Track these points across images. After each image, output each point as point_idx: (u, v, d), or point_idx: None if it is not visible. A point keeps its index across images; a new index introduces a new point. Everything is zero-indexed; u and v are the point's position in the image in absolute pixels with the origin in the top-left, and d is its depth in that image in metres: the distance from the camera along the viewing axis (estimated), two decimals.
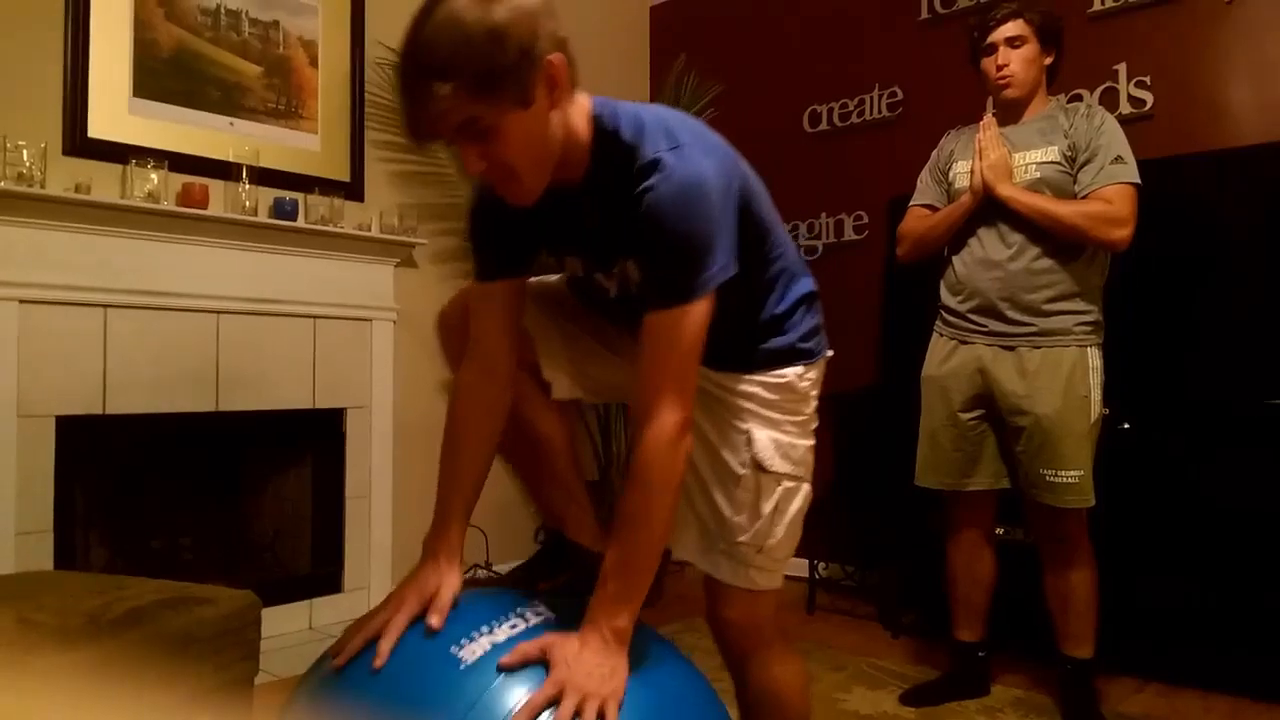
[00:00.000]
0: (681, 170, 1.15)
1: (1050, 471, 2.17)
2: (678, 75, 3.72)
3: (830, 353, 1.54)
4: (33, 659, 1.48)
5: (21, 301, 2.47)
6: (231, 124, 2.92)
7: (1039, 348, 2.20)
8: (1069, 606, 2.23)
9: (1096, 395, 2.20)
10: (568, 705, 1.08)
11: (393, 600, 1.27)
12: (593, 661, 1.13)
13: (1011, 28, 2.26)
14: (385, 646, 1.18)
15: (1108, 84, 3.14)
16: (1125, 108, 3.08)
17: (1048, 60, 2.30)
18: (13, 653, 1.49)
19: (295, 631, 3.01)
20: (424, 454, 3.44)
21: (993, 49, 2.28)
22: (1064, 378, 2.18)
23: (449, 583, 1.27)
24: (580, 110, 1.22)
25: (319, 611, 3.10)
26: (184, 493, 2.95)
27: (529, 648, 1.14)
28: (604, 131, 1.22)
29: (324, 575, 3.14)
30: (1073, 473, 2.16)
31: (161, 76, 2.78)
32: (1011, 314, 2.22)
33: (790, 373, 1.45)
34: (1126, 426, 2.53)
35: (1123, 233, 2.13)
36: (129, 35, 2.71)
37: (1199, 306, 2.66)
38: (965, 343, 2.30)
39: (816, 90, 3.90)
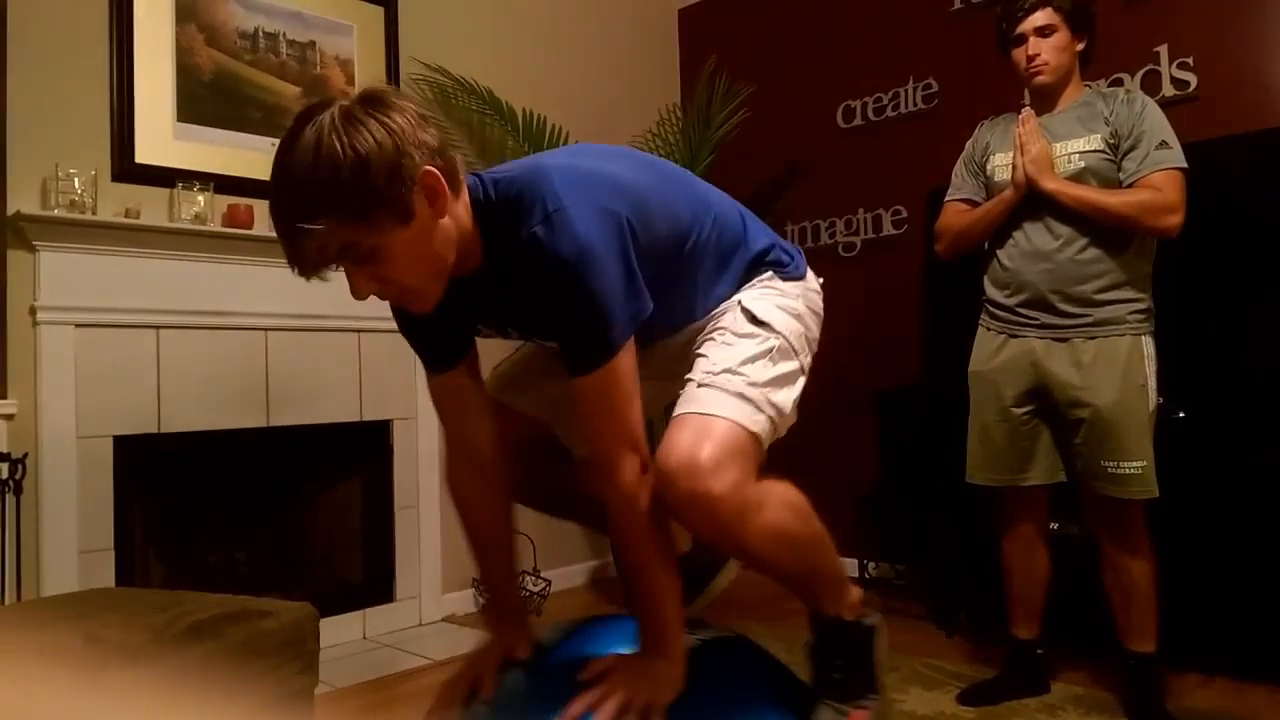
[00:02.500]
0: (562, 242, 1.14)
1: (1112, 463, 2.13)
2: (709, 77, 3.72)
3: (814, 278, 1.53)
4: (101, 676, 1.51)
5: (77, 325, 2.53)
6: (273, 144, 2.96)
7: (1093, 338, 2.16)
8: (1131, 600, 2.19)
9: (1153, 383, 2.16)
10: (611, 704, 1.17)
11: (469, 667, 1.38)
12: (644, 670, 1.23)
13: (1041, 16, 2.21)
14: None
15: (1149, 67, 3.08)
16: (1168, 90, 3.02)
17: (1079, 46, 2.25)
18: (82, 670, 1.53)
19: (350, 642, 3.05)
20: None
21: (1022, 39, 2.24)
22: (1120, 367, 2.14)
23: (520, 645, 1.40)
24: (464, 203, 1.21)
25: (372, 621, 3.14)
26: (238, 508, 3.01)
27: (601, 662, 1.23)
28: (483, 209, 1.22)
29: (376, 585, 3.18)
30: (1136, 463, 2.12)
31: (203, 100, 2.84)
32: (1063, 306, 2.18)
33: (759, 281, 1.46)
34: (1182, 416, 2.47)
35: (1174, 220, 2.09)
36: (171, 62, 2.77)
37: (1250, 291, 2.60)
38: (1015, 336, 2.27)
39: (850, 85, 3.88)
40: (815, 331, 1.49)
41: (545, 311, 1.23)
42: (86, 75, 2.64)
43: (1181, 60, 3.02)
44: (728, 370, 1.31)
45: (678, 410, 1.29)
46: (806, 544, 1.36)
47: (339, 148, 1.05)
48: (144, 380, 2.66)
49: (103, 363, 2.58)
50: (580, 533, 3.80)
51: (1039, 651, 2.38)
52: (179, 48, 2.79)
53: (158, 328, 2.69)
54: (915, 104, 3.69)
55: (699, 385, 1.31)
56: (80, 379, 2.53)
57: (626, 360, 1.21)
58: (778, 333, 1.37)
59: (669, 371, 1.41)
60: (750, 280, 1.44)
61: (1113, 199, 2.12)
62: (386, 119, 1.08)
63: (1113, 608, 2.22)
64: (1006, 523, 2.37)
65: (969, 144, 2.45)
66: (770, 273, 1.45)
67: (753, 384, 1.30)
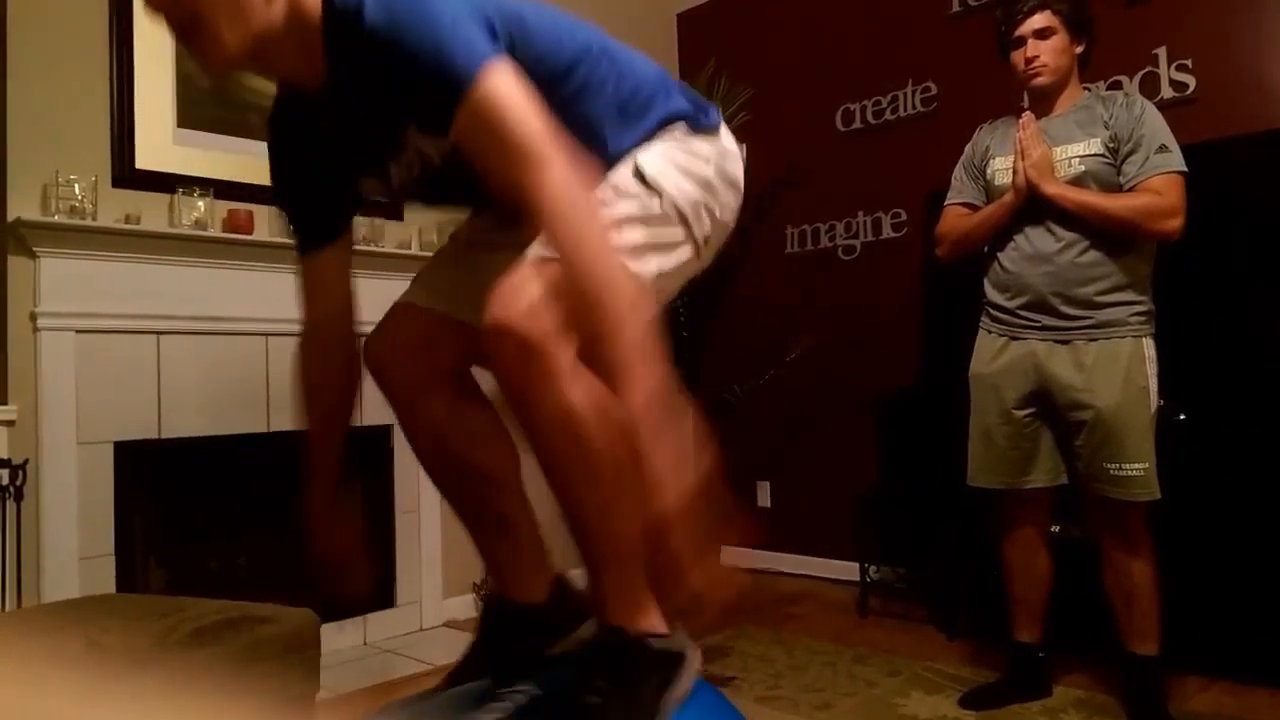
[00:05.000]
0: (385, 3, 1.03)
1: (1114, 465, 2.13)
2: (708, 80, 3.71)
3: (731, 140, 1.33)
4: (103, 681, 1.51)
5: (78, 331, 2.53)
6: None
7: (1095, 340, 2.16)
8: (1133, 603, 2.19)
9: (1154, 386, 2.16)
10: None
11: None
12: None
13: (1039, 19, 2.22)
14: None
15: (1148, 69, 3.08)
16: (1167, 92, 3.03)
17: (1078, 49, 2.26)
18: (84, 676, 1.53)
19: (351, 647, 3.05)
20: None
21: (1021, 41, 2.25)
22: (1122, 369, 2.14)
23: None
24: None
25: (373, 627, 3.13)
26: (239, 512, 3.00)
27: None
28: (333, 11, 1.07)
29: (377, 591, 3.18)
30: (1138, 465, 2.12)
31: (203, 106, 2.84)
32: (1065, 308, 2.18)
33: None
34: (1183, 418, 2.47)
35: (1175, 223, 2.09)
36: (170, 67, 2.78)
37: (1250, 292, 2.60)
38: (1016, 339, 2.27)
39: (849, 88, 3.89)
40: (726, 201, 1.29)
41: (394, 95, 1.08)
42: (87, 81, 2.64)
43: (1180, 62, 3.02)
44: None
45: None
46: (609, 471, 1.07)
47: None
48: (144, 385, 2.66)
49: (103, 368, 2.58)
50: None
51: (1040, 655, 2.38)
52: (179, 53, 2.79)
53: (158, 333, 2.69)
54: (914, 107, 3.69)
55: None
56: (81, 384, 2.53)
57: (503, 78, 1.03)
58: (666, 194, 1.19)
59: None
60: (657, 136, 1.25)
61: (1113, 204, 2.12)
62: None
63: (1114, 610, 2.22)
64: (1007, 526, 2.37)
65: (968, 147, 2.45)
66: (682, 126, 1.26)
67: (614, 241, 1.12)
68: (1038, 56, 2.22)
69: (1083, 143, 2.19)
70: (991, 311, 2.35)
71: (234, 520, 3.00)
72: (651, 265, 1.17)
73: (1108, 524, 2.22)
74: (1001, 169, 2.29)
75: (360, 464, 3.20)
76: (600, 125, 1.22)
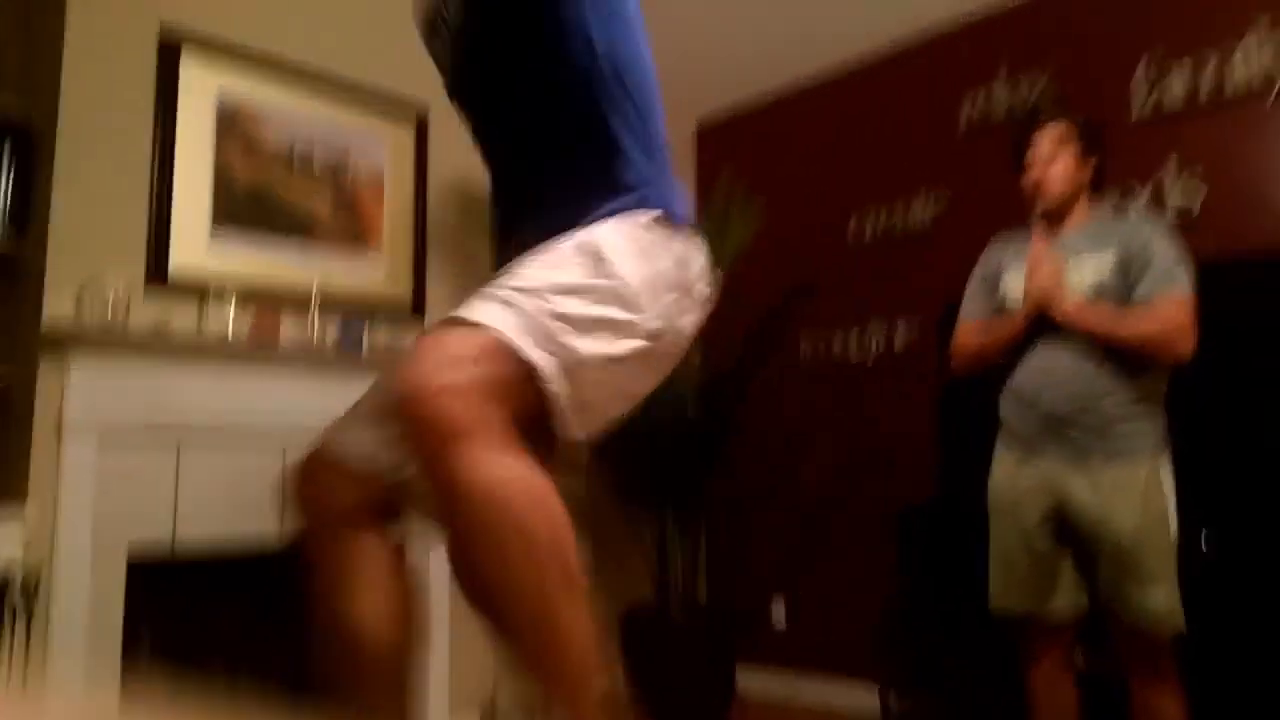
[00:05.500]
0: None
1: (1137, 592, 2.10)
2: (725, 191, 3.81)
3: (698, 250, 1.25)
4: None
5: (101, 435, 2.52)
6: (303, 254, 3.02)
7: (1111, 461, 2.15)
8: None
9: (1173, 510, 2.14)
10: None
11: None
12: None
13: (1051, 133, 2.26)
14: None
15: (1154, 183, 3.14)
16: (1175, 203, 3.08)
17: (1090, 165, 2.29)
18: None
19: None
20: None
21: (1032, 158, 2.28)
22: (1140, 492, 2.12)
23: None
24: None
25: None
26: (248, 622, 2.93)
27: None
28: None
29: None
30: (1160, 592, 2.08)
31: (238, 212, 2.89)
32: (1081, 424, 2.17)
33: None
34: (1205, 543, 2.45)
35: (1186, 346, 2.11)
36: (209, 172, 2.84)
37: (1263, 415, 2.61)
38: (1034, 455, 2.25)
39: (861, 197, 3.96)
40: (686, 308, 1.20)
41: None
42: (128, 186, 2.68)
43: (1187, 177, 3.08)
44: (519, 288, 1.06)
45: None
46: (539, 544, 0.96)
47: None
48: (163, 491, 2.63)
49: (123, 472, 2.55)
50: None
51: None
52: (218, 163, 2.85)
53: (179, 438, 2.67)
54: (927, 215, 3.76)
55: (477, 295, 1.07)
56: (101, 489, 2.50)
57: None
58: (620, 276, 1.10)
59: None
60: (617, 212, 1.17)
61: (1126, 329, 2.13)
62: None
63: None
64: (1031, 655, 2.32)
65: (981, 261, 2.47)
66: (660, 215, 1.19)
67: (546, 308, 1.04)
68: (1049, 173, 2.25)
69: (1095, 259, 2.20)
70: (1008, 427, 2.34)
71: (244, 630, 2.93)
72: (585, 344, 1.06)
73: (1134, 656, 2.16)
74: (1015, 285, 2.30)
75: None
76: (621, 155, 1.21)
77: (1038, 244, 2.25)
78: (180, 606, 2.74)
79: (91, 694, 2.32)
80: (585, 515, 3.84)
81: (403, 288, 3.29)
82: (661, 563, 3.47)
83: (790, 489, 3.31)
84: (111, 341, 2.53)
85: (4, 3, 2.79)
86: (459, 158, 3.49)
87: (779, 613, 4.00)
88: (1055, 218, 2.31)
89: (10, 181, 2.54)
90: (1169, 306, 2.11)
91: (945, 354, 2.52)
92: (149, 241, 2.70)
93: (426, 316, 3.36)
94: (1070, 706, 2.29)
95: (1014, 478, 2.29)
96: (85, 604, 2.45)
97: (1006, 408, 2.34)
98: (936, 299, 3.33)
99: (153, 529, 2.60)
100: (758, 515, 3.19)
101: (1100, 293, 2.18)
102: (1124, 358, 2.16)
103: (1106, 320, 2.15)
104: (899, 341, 3.82)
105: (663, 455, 3.50)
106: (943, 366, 2.80)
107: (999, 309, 2.36)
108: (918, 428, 3.58)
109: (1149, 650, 2.13)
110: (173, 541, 2.64)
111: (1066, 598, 2.23)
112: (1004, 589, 2.30)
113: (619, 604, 3.75)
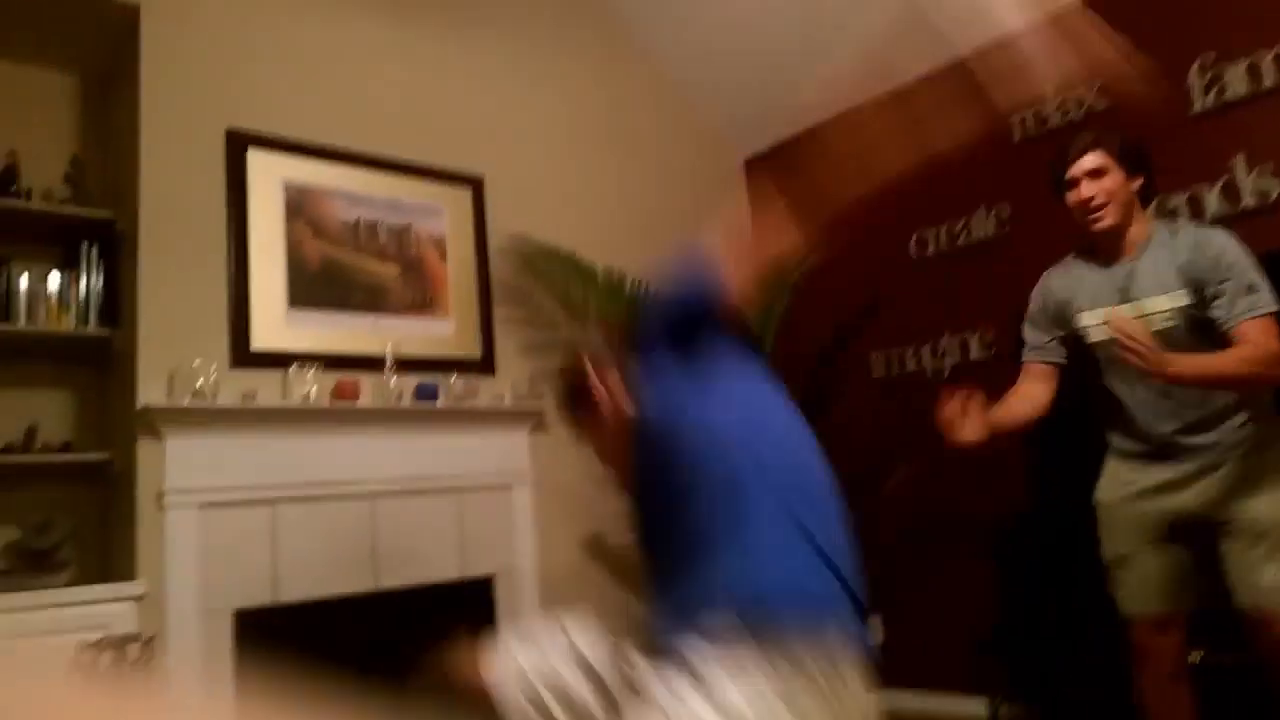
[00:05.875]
0: None
1: (1272, 571, 2.03)
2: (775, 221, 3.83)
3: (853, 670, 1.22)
4: None
5: (200, 506, 2.70)
6: (376, 321, 3.18)
7: (1228, 460, 2.10)
8: None
9: None
10: None
11: None
12: None
13: (1090, 160, 2.18)
14: None
15: (1225, 178, 3.05)
16: (1249, 200, 2.98)
17: (1136, 184, 2.20)
18: None
19: None
20: (571, 608, 3.48)
21: (1074, 183, 2.20)
22: (1265, 472, 2.07)
23: None
24: None
25: None
26: (352, 671, 3.05)
27: None
28: None
29: None
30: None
31: (312, 287, 3.07)
32: (1193, 439, 2.13)
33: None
34: None
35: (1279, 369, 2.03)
36: (283, 255, 3.03)
37: None
38: (1149, 464, 2.20)
39: (922, 215, 3.94)
40: None
41: None
42: (208, 274, 2.90)
43: (1260, 168, 2.98)
44: None
45: None
46: None
47: None
48: (262, 552, 2.79)
49: (224, 538, 2.72)
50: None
51: None
52: (289, 242, 3.04)
53: (274, 501, 2.83)
54: (989, 230, 3.71)
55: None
56: (204, 555, 2.68)
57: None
58: None
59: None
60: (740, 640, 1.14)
61: (1228, 368, 2.03)
62: None
63: None
64: (1145, 657, 2.25)
65: (1038, 296, 2.37)
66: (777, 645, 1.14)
67: None
68: (1094, 198, 2.17)
69: (1168, 295, 2.12)
70: (1118, 448, 2.29)
71: (348, 678, 3.05)
72: None
73: (1274, 643, 2.06)
74: (1094, 324, 2.22)
75: (465, 615, 3.25)
76: (705, 572, 1.21)
77: (1120, 323, 2.06)
78: (288, 652, 2.87)
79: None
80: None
81: (471, 343, 3.42)
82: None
83: (878, 507, 3.29)
84: (201, 418, 2.71)
85: (88, 123, 3.07)
86: (516, 214, 3.63)
87: (875, 632, 3.93)
88: (1111, 242, 2.22)
89: (102, 280, 2.77)
90: (1258, 334, 2.02)
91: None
92: (230, 324, 2.89)
93: (497, 369, 3.47)
94: (1188, 707, 2.21)
95: (1128, 484, 2.24)
96: (197, 659, 2.61)
97: (1113, 436, 2.29)
98: (1004, 309, 3.28)
99: (256, 587, 2.75)
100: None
101: (1179, 328, 2.10)
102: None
103: (1210, 366, 2.04)
104: (974, 351, 3.75)
105: None
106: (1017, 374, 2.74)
107: (1068, 344, 2.30)
108: (999, 439, 3.49)
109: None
110: (274, 594, 2.78)
111: (1189, 594, 2.18)
112: (1131, 593, 2.24)
113: None
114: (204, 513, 2.71)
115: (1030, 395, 2.35)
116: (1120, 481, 2.26)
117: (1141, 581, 2.21)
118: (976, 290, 3.72)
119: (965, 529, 3.57)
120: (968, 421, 2.19)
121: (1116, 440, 2.29)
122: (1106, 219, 2.18)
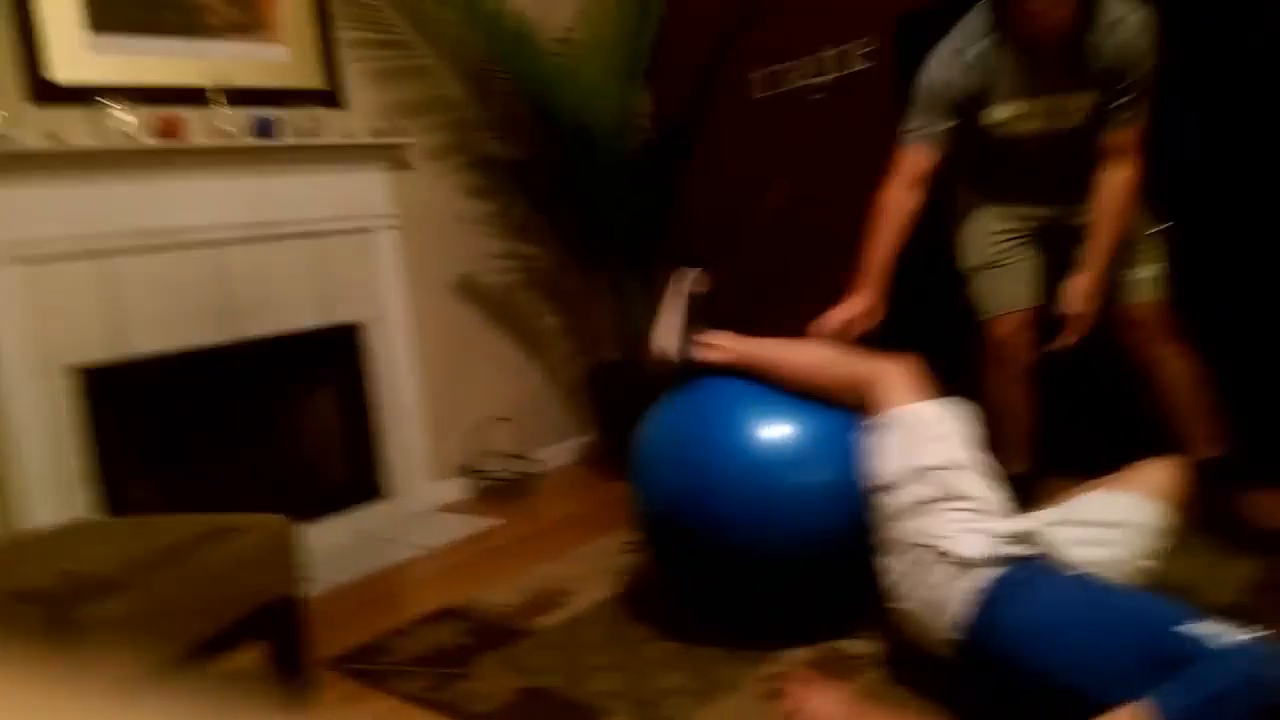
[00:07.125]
0: None
1: (1127, 271, 2.18)
2: None
3: None
4: (75, 610, 1.53)
5: (18, 260, 2.46)
6: (195, 46, 2.82)
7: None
8: (1181, 404, 2.20)
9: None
10: None
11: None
12: None
13: None
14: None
15: None
16: None
17: None
18: (57, 606, 1.55)
19: (342, 543, 3.04)
20: (447, 354, 3.46)
21: None
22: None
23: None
24: None
25: (364, 520, 3.17)
26: (215, 424, 2.99)
27: None
28: None
29: (364, 485, 3.22)
30: (1149, 269, 2.19)
31: (116, 7, 2.67)
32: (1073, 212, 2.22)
33: None
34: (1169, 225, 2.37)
35: (1135, 181, 2.11)
36: None
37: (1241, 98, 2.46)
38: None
39: None
40: None
41: None
42: None
43: None
44: None
45: None
46: None
47: None
48: (102, 308, 2.61)
49: (54, 297, 2.52)
50: (561, 409, 3.83)
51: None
52: None
53: (109, 253, 2.61)
54: None
55: None
56: (31, 314, 2.48)
57: None
58: None
59: None
60: None
61: (1117, 230, 2.13)
62: None
63: (1169, 426, 2.21)
64: (998, 355, 2.36)
65: (937, 75, 2.15)
66: None
67: None
68: (1041, 9, 1.93)
69: (1087, 94, 2.07)
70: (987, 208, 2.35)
71: (212, 432, 3.00)
72: None
73: (1135, 332, 2.21)
74: (1008, 117, 2.12)
75: (333, 363, 3.19)
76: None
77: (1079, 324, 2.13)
78: (136, 409, 2.79)
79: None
80: (548, 281, 3.84)
81: (311, 73, 3.09)
82: (624, 316, 3.49)
83: (755, 229, 3.28)
84: (4, 163, 2.41)
85: None
86: None
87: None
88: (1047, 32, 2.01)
89: None
90: (1122, 140, 2.08)
91: (903, 72, 2.37)
92: (16, 49, 2.51)
93: (350, 102, 3.18)
94: (1027, 406, 2.38)
95: (984, 208, 2.34)
96: (40, 420, 2.50)
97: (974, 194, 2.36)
98: (891, 11, 3.12)
99: (97, 344, 2.60)
100: (718, 261, 3.13)
101: (1085, 128, 2.11)
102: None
103: (1105, 243, 2.12)
104: (854, 66, 3.60)
105: (615, 205, 3.44)
106: (899, 84, 2.63)
107: (960, 123, 2.17)
108: (877, 154, 3.44)
109: (1149, 321, 2.20)
110: (123, 350, 2.64)
111: (1039, 290, 2.31)
112: (997, 289, 2.34)
113: (588, 360, 3.84)
114: (27, 269, 2.48)
115: (899, 202, 2.26)
116: (974, 208, 2.35)
117: (1013, 279, 2.31)
118: None
119: (833, 241, 3.59)
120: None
121: (986, 202, 2.34)
122: (1055, 33, 1.98)
